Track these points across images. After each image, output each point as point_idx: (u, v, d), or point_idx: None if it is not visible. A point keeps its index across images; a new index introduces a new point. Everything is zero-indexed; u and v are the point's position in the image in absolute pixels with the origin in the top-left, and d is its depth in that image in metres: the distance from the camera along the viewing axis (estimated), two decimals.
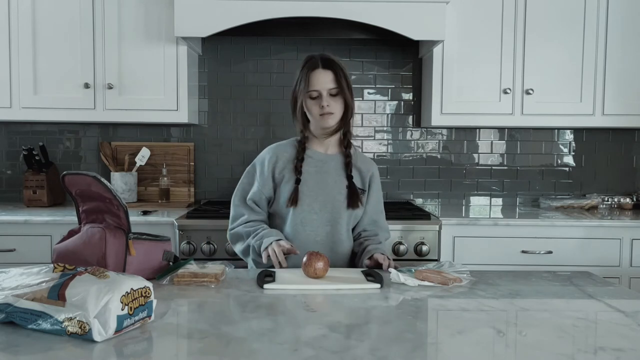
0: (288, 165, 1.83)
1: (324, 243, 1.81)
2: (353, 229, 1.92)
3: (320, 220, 1.81)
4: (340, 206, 1.82)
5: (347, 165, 1.84)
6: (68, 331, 1.02)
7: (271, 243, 1.70)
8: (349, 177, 1.83)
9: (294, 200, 1.78)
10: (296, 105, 1.80)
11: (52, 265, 1.16)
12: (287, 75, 3.16)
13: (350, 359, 0.96)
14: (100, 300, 1.01)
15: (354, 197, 1.82)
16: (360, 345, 1.02)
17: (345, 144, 1.86)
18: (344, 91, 1.76)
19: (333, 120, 1.77)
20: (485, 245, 2.58)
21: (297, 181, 1.80)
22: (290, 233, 1.81)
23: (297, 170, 1.80)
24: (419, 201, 3.24)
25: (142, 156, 3.05)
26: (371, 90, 3.20)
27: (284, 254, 1.68)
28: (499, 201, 3.25)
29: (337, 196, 1.82)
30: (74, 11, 2.76)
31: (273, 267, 1.68)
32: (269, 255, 1.69)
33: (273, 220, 1.89)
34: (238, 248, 1.87)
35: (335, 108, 1.76)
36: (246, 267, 1.87)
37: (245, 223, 1.84)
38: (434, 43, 2.78)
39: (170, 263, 1.54)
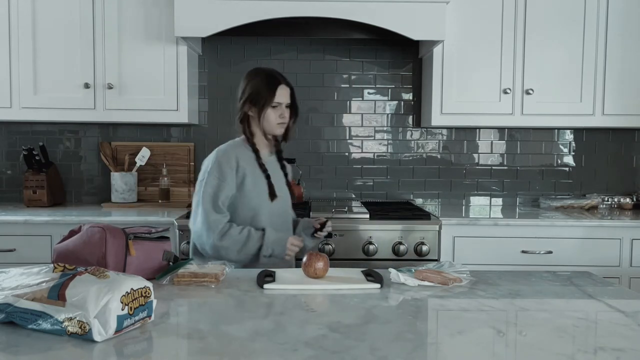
0: (246, 164, 2.00)
1: (288, 230, 2.11)
2: None
3: (284, 209, 2.10)
4: (287, 196, 2.13)
5: (281, 161, 2.16)
6: (68, 331, 1.02)
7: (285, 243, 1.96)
8: (286, 174, 2.17)
9: (273, 194, 2.01)
10: (248, 112, 2.04)
11: (52, 265, 1.17)
12: (287, 75, 3.14)
13: (350, 359, 0.96)
14: (100, 300, 1.01)
15: (290, 188, 2.17)
16: (360, 345, 1.02)
17: (278, 146, 2.15)
18: (296, 105, 2.08)
19: (284, 128, 2.07)
20: (485, 245, 2.58)
21: (268, 177, 2.03)
22: (268, 223, 2.00)
23: (263, 168, 2.03)
24: (419, 201, 3.24)
25: (142, 156, 3.05)
26: (371, 90, 3.20)
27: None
28: (499, 201, 3.25)
29: (284, 188, 2.11)
30: (74, 11, 2.76)
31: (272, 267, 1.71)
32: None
33: (237, 216, 1.99)
34: (234, 256, 1.91)
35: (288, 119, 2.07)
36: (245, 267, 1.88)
37: (227, 231, 1.93)
38: (434, 43, 2.78)
39: (170, 263, 1.54)
